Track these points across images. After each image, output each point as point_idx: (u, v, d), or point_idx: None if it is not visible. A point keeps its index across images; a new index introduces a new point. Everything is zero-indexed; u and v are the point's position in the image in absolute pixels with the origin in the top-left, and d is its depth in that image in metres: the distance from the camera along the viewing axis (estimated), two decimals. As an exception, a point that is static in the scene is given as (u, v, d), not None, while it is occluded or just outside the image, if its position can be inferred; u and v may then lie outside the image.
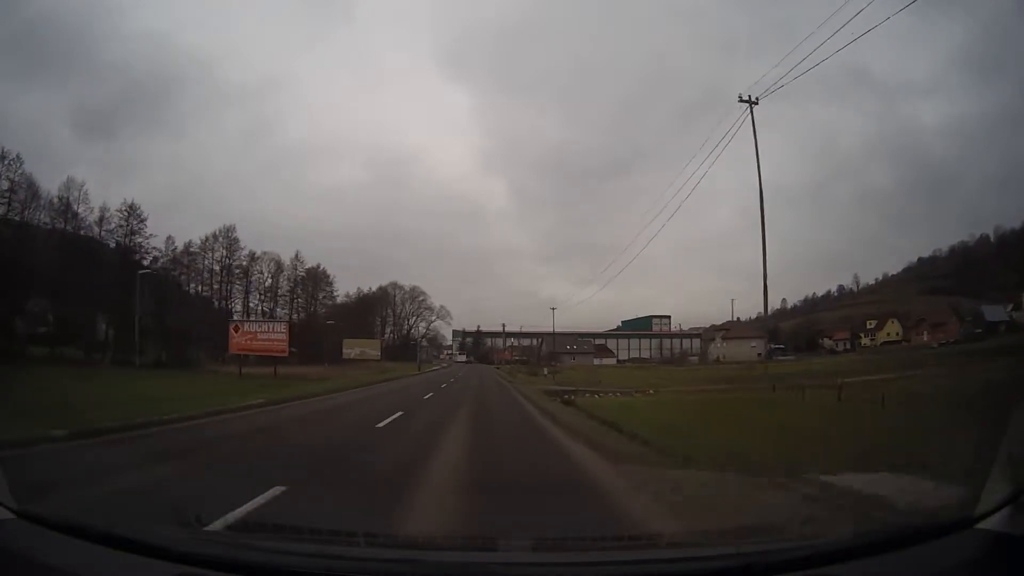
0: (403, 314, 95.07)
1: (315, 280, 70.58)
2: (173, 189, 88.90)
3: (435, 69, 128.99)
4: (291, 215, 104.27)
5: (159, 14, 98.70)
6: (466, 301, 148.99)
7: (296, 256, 68.51)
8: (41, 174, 44.15)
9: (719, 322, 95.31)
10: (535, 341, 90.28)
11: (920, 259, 77.98)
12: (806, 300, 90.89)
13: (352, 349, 63.26)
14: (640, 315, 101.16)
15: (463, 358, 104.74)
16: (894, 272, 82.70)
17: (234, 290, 62.93)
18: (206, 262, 60.00)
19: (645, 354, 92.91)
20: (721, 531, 3.64)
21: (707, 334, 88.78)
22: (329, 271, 71.41)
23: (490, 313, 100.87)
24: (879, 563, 1.80)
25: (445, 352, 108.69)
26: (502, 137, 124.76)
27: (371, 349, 65.01)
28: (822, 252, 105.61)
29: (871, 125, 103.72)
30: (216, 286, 61.52)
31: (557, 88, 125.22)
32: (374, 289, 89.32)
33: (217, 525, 3.59)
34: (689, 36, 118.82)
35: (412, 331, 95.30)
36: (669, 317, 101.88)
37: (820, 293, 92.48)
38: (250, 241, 63.81)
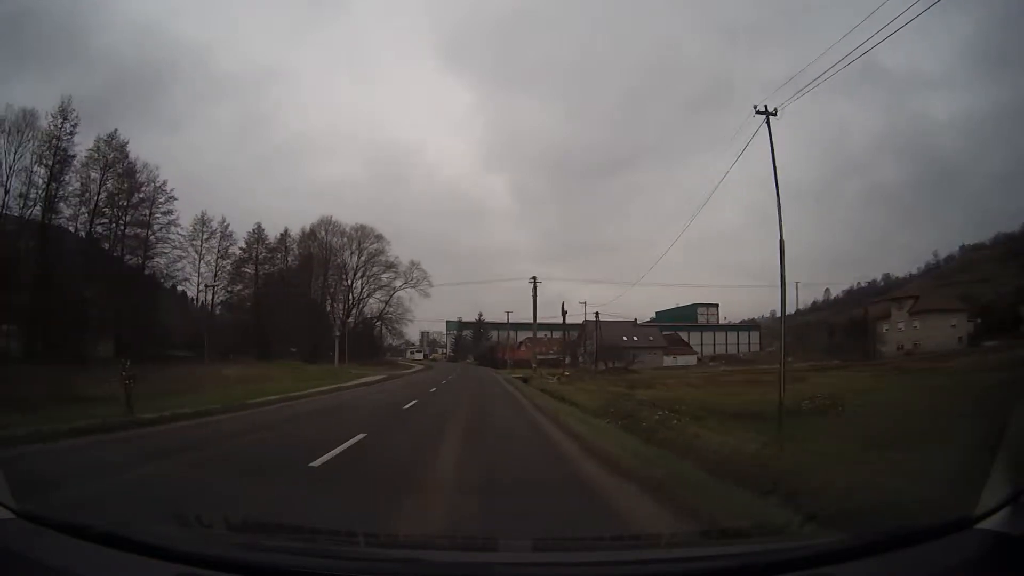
0: (340, 275, 59.43)
1: (109, 171, 37.44)
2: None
3: (434, 63, 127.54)
4: (287, 213, 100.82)
5: (152, 3, 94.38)
6: (465, 299, 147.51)
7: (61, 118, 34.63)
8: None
9: (743, 318, 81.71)
10: (550, 334, 60.57)
11: (962, 246, 75.26)
12: (850, 292, 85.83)
13: None
14: (677, 305, 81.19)
15: (420, 355, 76.69)
16: (931, 262, 78.80)
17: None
18: None
19: (696, 349, 71.32)
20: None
21: (873, 308, 60.61)
22: (150, 165, 40.11)
23: (491, 310, 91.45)
24: (879, 563, 1.80)
25: (440, 351, 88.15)
26: (503, 133, 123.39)
27: None
28: (833, 247, 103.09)
29: (881, 118, 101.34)
30: None
31: (559, 82, 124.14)
32: (293, 233, 56.03)
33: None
34: (695, 24, 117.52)
35: (362, 304, 61.15)
36: (717, 306, 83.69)
37: (863, 283, 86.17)
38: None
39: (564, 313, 47.48)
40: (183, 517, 2.63)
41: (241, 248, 51.92)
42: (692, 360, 63.58)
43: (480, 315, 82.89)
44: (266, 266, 54.25)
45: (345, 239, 59.69)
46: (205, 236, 47.42)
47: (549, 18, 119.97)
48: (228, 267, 50.43)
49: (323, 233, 58.79)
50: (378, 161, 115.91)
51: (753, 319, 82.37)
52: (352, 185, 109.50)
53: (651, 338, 62.79)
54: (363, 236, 60.10)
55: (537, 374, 39.75)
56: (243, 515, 4.26)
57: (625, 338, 58.62)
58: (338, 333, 47.05)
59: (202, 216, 47.47)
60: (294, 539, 2.58)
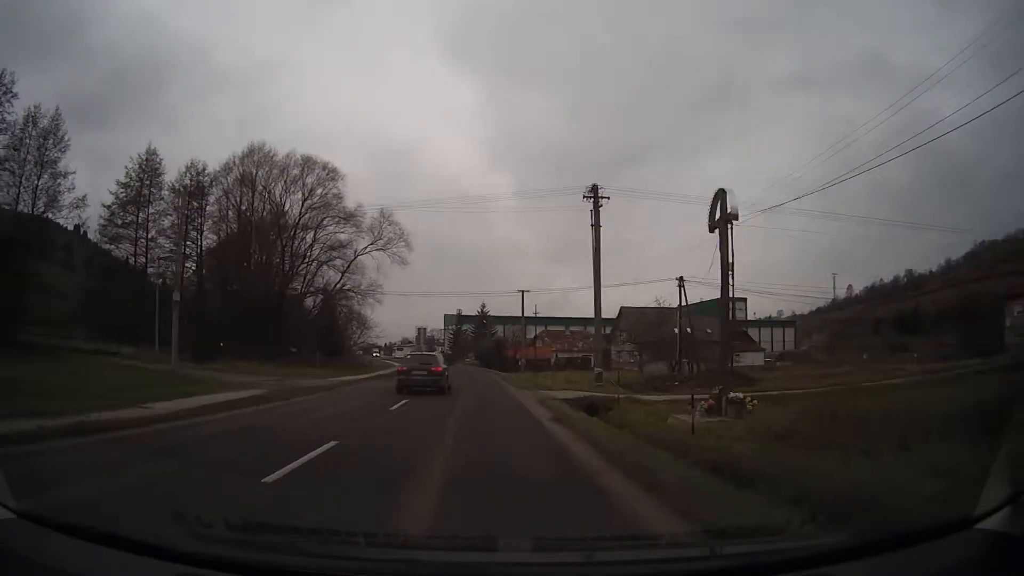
0: (277, 231, 39.96)
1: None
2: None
3: (437, 60, 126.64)
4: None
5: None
6: (469, 297, 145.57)
7: None
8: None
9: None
10: (565, 329, 47.24)
11: (982, 242, 73.84)
12: (871, 288, 77.63)
13: None
14: (701, 300, 68.74)
15: (402, 352, 58.45)
16: (956, 257, 77.16)
17: None
18: None
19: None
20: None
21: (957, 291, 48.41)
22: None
23: (495, 309, 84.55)
24: (879, 563, 1.80)
25: (438, 349, 72.55)
26: (505, 131, 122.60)
27: None
28: (841, 245, 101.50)
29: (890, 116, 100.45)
30: None
31: (563, 80, 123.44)
32: (204, 168, 38.25)
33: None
34: (699, 21, 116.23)
35: (305, 272, 41.40)
36: (745, 300, 70.63)
37: (884, 279, 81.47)
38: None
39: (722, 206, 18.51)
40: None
41: (122, 183, 35.63)
42: (758, 358, 51.94)
43: (483, 306, 69.47)
44: (160, 205, 37.10)
45: (284, 177, 39.84)
46: (35, 143, 27.46)
47: (550, 15, 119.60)
48: (66, 193, 28.91)
49: (254, 170, 39.28)
50: (380, 158, 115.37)
51: (772, 315, 77.25)
52: (352, 185, 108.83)
53: (708, 331, 47.34)
54: (308, 170, 39.71)
55: (610, 388, 21.83)
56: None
57: (676, 330, 45.40)
58: (177, 297, 24.34)
59: (32, 111, 27.05)
60: (294, 539, 2.58)
